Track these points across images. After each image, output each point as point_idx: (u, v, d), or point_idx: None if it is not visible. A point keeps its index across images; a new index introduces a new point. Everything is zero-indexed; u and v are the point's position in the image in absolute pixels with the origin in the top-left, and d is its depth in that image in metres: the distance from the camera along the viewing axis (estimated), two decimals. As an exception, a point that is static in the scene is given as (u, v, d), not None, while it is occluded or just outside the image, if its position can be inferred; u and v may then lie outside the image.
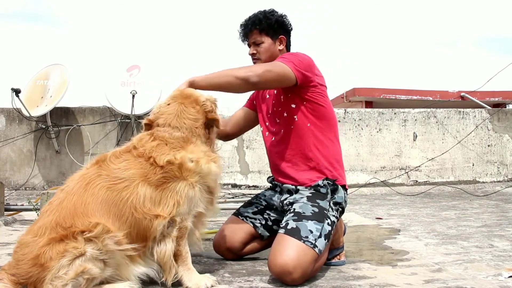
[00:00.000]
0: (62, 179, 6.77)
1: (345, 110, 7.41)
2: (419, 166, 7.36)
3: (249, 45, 2.66)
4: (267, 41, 2.61)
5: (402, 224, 3.88)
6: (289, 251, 2.13)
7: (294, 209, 2.35)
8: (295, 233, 2.20)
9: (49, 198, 3.58)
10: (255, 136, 7.00)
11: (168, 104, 2.16)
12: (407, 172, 7.34)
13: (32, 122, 6.77)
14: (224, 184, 6.92)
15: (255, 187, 6.94)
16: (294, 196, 2.46)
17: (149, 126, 2.17)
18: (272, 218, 2.63)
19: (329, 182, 2.43)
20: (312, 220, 2.27)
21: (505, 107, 8.59)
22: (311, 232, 2.22)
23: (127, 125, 6.81)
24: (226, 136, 2.85)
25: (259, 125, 2.81)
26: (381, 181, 7.16)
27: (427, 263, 2.54)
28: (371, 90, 12.77)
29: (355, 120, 7.28)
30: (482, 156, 7.53)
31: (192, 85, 2.28)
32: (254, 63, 2.62)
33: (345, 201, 2.51)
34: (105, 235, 1.82)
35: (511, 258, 2.63)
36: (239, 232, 2.57)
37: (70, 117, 6.91)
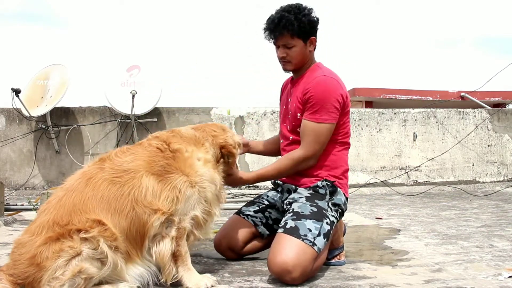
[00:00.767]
0: (62, 179, 6.73)
1: (345, 110, 7.39)
2: (419, 166, 7.36)
3: (277, 46, 2.54)
4: (298, 44, 2.49)
5: (402, 224, 3.88)
6: (288, 250, 2.13)
7: (293, 209, 2.36)
8: (294, 232, 2.21)
9: (49, 198, 3.59)
10: (255, 137, 7.00)
11: (204, 126, 2.37)
12: (407, 172, 7.33)
13: (32, 122, 6.77)
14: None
15: (255, 187, 6.94)
16: (293, 195, 2.47)
17: None
18: (273, 217, 2.63)
19: (328, 183, 2.43)
20: (310, 219, 2.27)
21: (505, 107, 8.58)
22: (310, 230, 2.22)
23: (127, 125, 6.80)
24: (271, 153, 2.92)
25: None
26: (381, 181, 7.16)
27: (427, 263, 2.54)
28: (371, 90, 12.78)
29: (355, 120, 7.28)
30: (482, 156, 7.53)
31: (240, 181, 2.46)
32: (283, 65, 2.56)
33: (345, 205, 2.51)
34: (101, 236, 1.81)
35: (511, 258, 2.63)
36: (239, 230, 2.57)
37: (70, 117, 6.90)
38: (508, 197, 6.01)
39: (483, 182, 7.45)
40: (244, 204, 2.78)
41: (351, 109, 7.42)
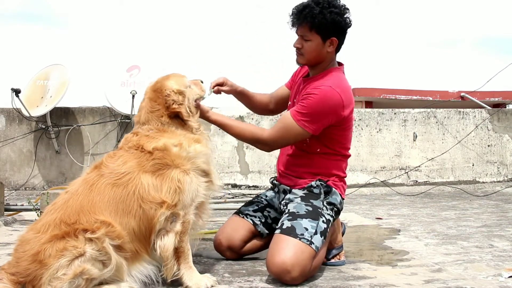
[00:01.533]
0: (62, 179, 6.77)
1: (345, 110, 7.39)
2: (419, 166, 7.36)
3: (297, 35, 2.44)
4: (315, 40, 2.36)
5: (402, 224, 3.88)
6: (286, 250, 2.13)
7: (289, 209, 2.37)
8: (290, 231, 2.21)
9: (49, 198, 3.59)
10: (255, 136, 7.00)
11: (144, 99, 2.26)
12: (407, 172, 7.33)
13: (32, 122, 6.77)
14: (224, 184, 6.92)
15: (255, 187, 6.94)
16: (289, 196, 2.47)
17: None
18: (272, 216, 2.64)
19: (322, 183, 2.43)
20: (306, 218, 2.27)
21: (505, 107, 8.58)
22: (306, 229, 2.23)
23: (127, 125, 6.80)
24: (271, 112, 2.89)
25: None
26: (381, 181, 7.16)
27: (427, 263, 2.54)
28: (371, 90, 12.77)
29: (355, 120, 7.27)
30: (482, 156, 7.53)
31: (203, 114, 2.36)
32: (297, 56, 2.48)
33: (341, 204, 2.50)
34: (108, 237, 1.83)
35: (511, 258, 2.63)
36: (239, 230, 2.58)
37: (70, 117, 6.90)
38: (508, 197, 6.01)
39: (483, 182, 7.45)
40: (243, 204, 2.79)
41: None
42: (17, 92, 6.25)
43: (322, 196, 2.41)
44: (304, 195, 2.42)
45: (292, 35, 2.56)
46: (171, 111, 2.16)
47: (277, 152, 2.76)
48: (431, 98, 12.42)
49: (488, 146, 7.58)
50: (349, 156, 2.57)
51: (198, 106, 2.32)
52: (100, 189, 1.93)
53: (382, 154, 7.34)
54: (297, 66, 2.71)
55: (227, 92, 2.64)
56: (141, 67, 6.87)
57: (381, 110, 7.50)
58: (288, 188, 2.53)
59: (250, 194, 5.97)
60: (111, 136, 6.90)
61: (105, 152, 6.65)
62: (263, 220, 2.62)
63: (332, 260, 2.53)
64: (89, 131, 6.84)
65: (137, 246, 1.95)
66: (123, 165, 2.00)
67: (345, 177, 2.56)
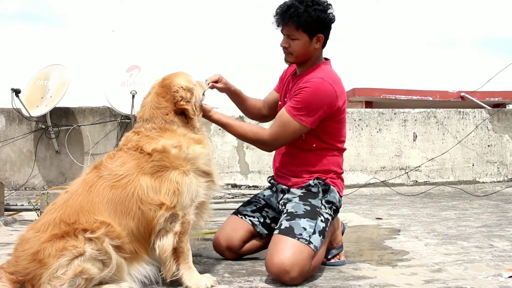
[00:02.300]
0: (62, 179, 6.76)
1: (345, 110, 7.39)
2: (419, 166, 7.36)
3: (283, 34, 2.46)
4: (302, 38, 2.39)
5: (402, 224, 3.88)
6: (285, 250, 2.13)
7: (287, 209, 2.37)
8: (289, 232, 2.21)
9: (49, 198, 3.59)
10: (255, 136, 7.00)
11: (149, 94, 2.24)
12: (407, 172, 7.33)
13: (32, 122, 6.77)
14: (224, 184, 6.92)
15: (255, 187, 6.94)
16: (287, 195, 2.47)
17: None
18: (270, 216, 2.64)
19: (320, 181, 2.43)
20: (304, 218, 2.27)
21: (505, 107, 8.58)
22: (305, 229, 2.22)
23: (127, 125, 6.80)
24: (264, 117, 2.88)
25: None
26: (381, 181, 7.15)
27: (427, 263, 2.54)
28: (371, 90, 12.76)
29: (355, 120, 7.28)
30: (482, 156, 7.52)
31: (206, 114, 2.36)
32: (285, 55, 2.51)
33: (339, 202, 2.50)
34: (107, 237, 1.83)
35: (511, 258, 2.63)
36: (238, 230, 2.57)
37: (70, 117, 6.90)
38: (508, 197, 6.00)
39: (483, 182, 7.45)
40: (241, 204, 2.78)
41: (351, 109, 7.47)
42: (17, 92, 6.25)
43: (321, 194, 2.41)
44: (302, 194, 2.42)
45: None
46: (178, 107, 2.16)
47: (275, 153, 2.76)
48: (431, 98, 12.41)
49: (488, 146, 7.58)
50: (344, 150, 2.58)
51: (201, 106, 2.33)
52: (99, 190, 1.93)
53: (382, 154, 7.33)
54: (283, 70, 2.75)
55: (221, 89, 2.63)
56: (141, 67, 6.87)
57: (381, 110, 7.50)
58: (286, 187, 2.52)
59: (250, 194, 5.97)
60: (111, 136, 6.90)
61: (105, 152, 6.65)
62: (261, 221, 2.62)
63: (332, 260, 2.53)
64: (89, 131, 6.84)
65: (136, 247, 1.95)
66: (122, 166, 2.00)
67: (342, 173, 2.56)
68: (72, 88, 6.82)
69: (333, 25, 2.48)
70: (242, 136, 2.48)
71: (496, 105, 11.32)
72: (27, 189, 6.73)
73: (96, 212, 1.87)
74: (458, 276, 2.26)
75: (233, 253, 2.58)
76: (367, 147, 7.30)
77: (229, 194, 6.19)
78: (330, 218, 2.40)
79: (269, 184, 2.76)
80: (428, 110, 7.58)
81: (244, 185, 6.99)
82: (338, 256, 2.55)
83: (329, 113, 2.39)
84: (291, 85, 2.57)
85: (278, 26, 2.46)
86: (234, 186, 6.97)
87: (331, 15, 2.43)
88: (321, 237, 2.27)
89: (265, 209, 2.65)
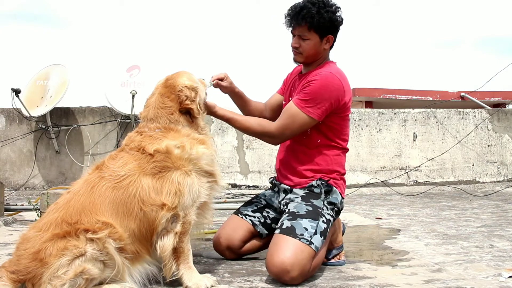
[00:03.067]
0: (62, 179, 6.76)
1: (345, 110, 7.38)
2: (419, 166, 7.36)
3: (293, 35, 2.51)
4: (314, 39, 2.45)
5: (402, 224, 3.88)
6: (285, 250, 2.13)
7: (289, 209, 2.37)
8: (290, 231, 2.21)
9: (49, 198, 3.59)
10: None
11: (153, 94, 2.24)
12: (407, 172, 7.33)
13: (32, 122, 6.77)
14: (225, 184, 6.91)
15: (255, 187, 6.94)
16: (289, 196, 2.48)
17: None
18: (271, 216, 2.63)
19: (323, 182, 2.43)
20: (306, 218, 2.27)
21: (505, 107, 8.58)
22: (306, 229, 2.22)
23: (127, 125, 6.80)
24: None
25: None
26: (381, 181, 7.16)
27: (427, 263, 2.54)
28: (371, 90, 12.77)
29: (355, 120, 7.28)
30: (482, 156, 7.53)
31: (210, 110, 2.38)
32: (294, 55, 2.54)
33: (341, 204, 2.50)
34: (110, 238, 1.83)
35: (511, 258, 2.63)
36: (238, 230, 2.57)
37: (70, 117, 6.90)
38: (508, 197, 6.01)
39: (483, 182, 7.45)
40: (242, 204, 2.78)
41: (351, 109, 7.45)
42: (17, 92, 6.25)
43: (323, 195, 2.41)
44: (304, 194, 2.42)
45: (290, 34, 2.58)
46: (183, 107, 2.16)
47: (276, 152, 2.76)
48: (431, 98, 12.42)
49: (488, 146, 7.58)
50: (347, 150, 2.58)
51: (205, 103, 2.33)
52: (101, 191, 1.93)
53: (382, 154, 7.34)
54: (286, 71, 2.79)
55: (225, 87, 2.63)
56: (141, 67, 6.87)
57: (381, 110, 7.50)
58: (289, 187, 2.53)
59: (250, 194, 5.97)
60: (111, 136, 6.90)
61: (105, 152, 6.66)
62: (262, 221, 2.62)
63: (332, 260, 2.53)
64: (89, 131, 6.84)
65: (138, 248, 1.95)
66: (124, 167, 2.00)
67: (345, 173, 2.57)
68: (72, 88, 6.83)
69: (341, 27, 2.53)
70: (248, 130, 2.48)
71: (496, 105, 11.33)
72: (27, 189, 6.73)
73: (98, 212, 1.87)
74: (458, 276, 2.26)
75: (233, 253, 2.58)
76: (367, 147, 7.30)
77: (229, 194, 6.19)
78: (332, 219, 2.40)
79: (270, 185, 2.76)
80: (428, 110, 7.58)
81: (244, 185, 6.99)
82: (338, 256, 2.55)
83: (336, 108, 2.42)
84: (298, 83, 2.59)
85: (289, 26, 2.51)
86: (234, 186, 6.97)
87: (340, 17, 2.49)
88: (322, 237, 2.27)
89: (266, 209, 2.65)
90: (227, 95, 2.72)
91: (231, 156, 7.02)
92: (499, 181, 7.49)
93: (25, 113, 6.39)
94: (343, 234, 2.69)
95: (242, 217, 2.62)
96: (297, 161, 2.53)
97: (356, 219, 4.20)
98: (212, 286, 2.05)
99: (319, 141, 2.49)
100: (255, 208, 2.66)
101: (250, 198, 2.80)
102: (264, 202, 2.69)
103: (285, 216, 2.34)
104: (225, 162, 6.96)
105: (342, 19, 2.50)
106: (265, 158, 6.98)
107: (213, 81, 2.56)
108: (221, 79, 2.61)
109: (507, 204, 5.24)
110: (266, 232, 2.60)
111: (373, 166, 7.30)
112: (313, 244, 2.20)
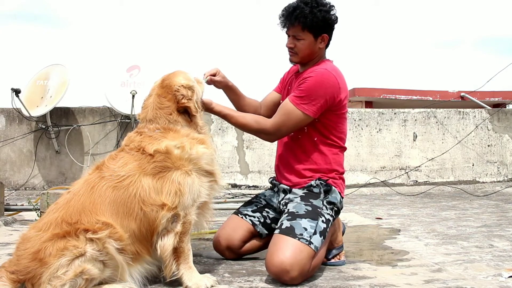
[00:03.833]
0: (62, 179, 6.76)
1: (345, 110, 7.39)
2: (419, 166, 7.36)
3: (288, 35, 2.52)
4: (308, 39, 2.46)
5: (402, 224, 3.88)
6: (285, 250, 2.13)
7: (288, 209, 2.37)
8: (289, 231, 2.21)
9: (49, 198, 3.59)
10: (255, 136, 7.01)
11: (150, 96, 2.24)
12: (407, 172, 7.33)
13: (32, 122, 6.77)
14: (225, 184, 6.92)
15: (255, 187, 6.94)
16: (288, 196, 2.48)
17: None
18: (270, 216, 2.63)
19: (322, 182, 2.43)
20: (305, 218, 2.27)
21: (505, 107, 8.58)
22: (306, 229, 2.22)
23: (127, 125, 6.80)
24: None
25: None
26: (381, 181, 7.16)
27: (427, 263, 2.54)
28: (371, 90, 12.78)
29: (355, 120, 7.28)
30: (482, 156, 7.53)
31: (207, 107, 2.38)
32: (290, 56, 2.55)
33: (341, 203, 2.50)
34: (110, 238, 1.83)
35: (511, 258, 2.63)
36: (238, 230, 2.57)
37: (70, 117, 6.90)
38: (508, 197, 6.01)
39: (483, 182, 7.45)
40: (242, 204, 2.78)
41: (351, 109, 7.46)
42: (17, 92, 6.25)
43: (322, 195, 2.41)
44: (304, 194, 2.42)
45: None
46: (180, 106, 2.16)
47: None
48: (431, 98, 12.42)
49: (488, 146, 7.58)
50: (345, 149, 2.59)
51: (202, 101, 2.34)
52: (101, 191, 1.93)
53: (382, 154, 7.34)
54: (285, 71, 2.78)
55: (219, 82, 2.63)
56: (141, 67, 6.87)
57: (381, 110, 7.50)
58: (288, 187, 2.53)
59: (250, 194, 5.97)
60: (111, 136, 6.90)
61: (105, 152, 6.65)
62: (262, 221, 2.62)
63: (332, 260, 2.53)
64: (89, 131, 6.84)
65: (139, 248, 1.95)
66: (124, 167, 2.00)
67: (344, 172, 2.57)
68: (72, 88, 6.83)
69: (335, 26, 2.53)
70: (244, 127, 2.49)
71: (496, 105, 11.33)
72: (27, 189, 6.73)
73: (98, 212, 1.87)
74: (458, 276, 2.26)
75: (233, 253, 2.58)
76: (367, 147, 7.30)
77: (229, 194, 6.19)
78: (331, 219, 2.40)
79: (270, 185, 2.76)
80: (428, 110, 7.58)
81: (244, 185, 6.99)
82: (338, 256, 2.55)
83: (331, 105, 2.42)
84: (295, 82, 2.59)
85: (283, 27, 2.52)
86: (234, 186, 6.97)
87: (334, 16, 2.49)
88: (322, 237, 2.27)
89: (266, 209, 2.65)
90: (221, 91, 2.72)
91: (231, 156, 7.02)
92: (499, 181, 7.49)
93: (25, 113, 6.40)
94: (343, 234, 2.69)
95: (242, 217, 2.62)
96: (295, 159, 2.53)
97: (356, 219, 4.20)
98: (212, 286, 2.05)
99: (315, 138, 2.49)
100: (255, 208, 2.66)
101: (250, 198, 2.80)
102: (264, 202, 2.69)
103: (284, 216, 2.34)
104: (225, 162, 6.96)
105: (336, 18, 2.50)
106: (265, 158, 6.98)
107: (206, 78, 2.57)
108: (214, 75, 2.61)
109: (507, 204, 5.24)
110: (266, 232, 2.60)
111: (373, 166, 7.30)
112: (312, 244, 2.20)
